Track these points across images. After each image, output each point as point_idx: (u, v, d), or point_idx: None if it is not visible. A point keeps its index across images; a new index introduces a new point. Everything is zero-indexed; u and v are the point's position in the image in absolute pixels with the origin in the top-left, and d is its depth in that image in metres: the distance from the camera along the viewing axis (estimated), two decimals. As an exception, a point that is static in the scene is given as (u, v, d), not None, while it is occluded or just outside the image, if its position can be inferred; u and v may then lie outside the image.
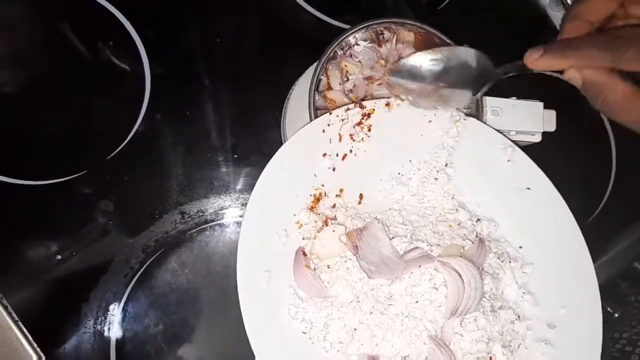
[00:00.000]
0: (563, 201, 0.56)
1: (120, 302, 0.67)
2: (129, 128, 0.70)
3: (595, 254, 0.74)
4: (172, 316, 0.68)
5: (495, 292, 0.53)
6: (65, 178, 0.67)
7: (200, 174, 0.71)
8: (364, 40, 0.61)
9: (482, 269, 0.53)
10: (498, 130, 0.57)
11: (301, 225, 0.53)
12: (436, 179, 0.56)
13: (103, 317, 0.66)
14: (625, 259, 0.76)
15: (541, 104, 0.62)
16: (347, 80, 0.60)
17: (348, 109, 0.54)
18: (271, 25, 0.77)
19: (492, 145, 0.57)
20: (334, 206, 0.54)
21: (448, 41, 0.59)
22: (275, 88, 0.72)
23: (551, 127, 0.63)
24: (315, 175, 0.54)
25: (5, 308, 0.61)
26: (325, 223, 0.53)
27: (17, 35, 0.71)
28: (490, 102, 0.60)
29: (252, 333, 0.48)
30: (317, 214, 0.53)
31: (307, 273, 0.50)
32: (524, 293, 0.54)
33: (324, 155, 0.54)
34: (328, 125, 0.54)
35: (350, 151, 0.55)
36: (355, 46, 0.61)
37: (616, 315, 0.75)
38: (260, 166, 0.52)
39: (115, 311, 0.67)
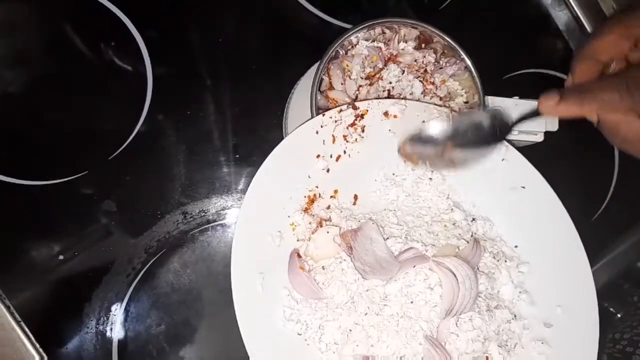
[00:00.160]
0: (558, 199, 0.56)
1: (122, 302, 0.67)
2: (131, 128, 0.70)
3: (597, 254, 0.74)
4: (174, 316, 0.68)
5: (491, 292, 0.53)
6: (68, 178, 0.68)
7: (202, 174, 0.71)
8: (366, 40, 0.61)
9: (478, 268, 0.53)
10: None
11: (295, 226, 0.53)
12: (430, 179, 0.56)
13: (105, 317, 0.67)
14: (628, 260, 0.76)
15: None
16: (349, 79, 0.60)
17: (341, 110, 0.55)
18: (273, 25, 0.77)
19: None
20: (328, 207, 0.54)
21: (450, 41, 0.59)
22: (276, 88, 0.72)
23: (553, 127, 0.63)
24: (309, 176, 0.54)
25: (8, 308, 0.61)
26: (320, 224, 0.53)
27: (20, 36, 0.71)
28: (493, 102, 0.60)
29: (247, 335, 0.48)
30: (311, 215, 0.53)
31: (301, 274, 0.50)
32: (520, 292, 0.54)
33: (318, 156, 0.54)
34: (321, 126, 0.54)
35: (344, 152, 0.55)
36: (357, 46, 0.61)
37: (618, 315, 0.75)
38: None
39: (118, 311, 0.67)
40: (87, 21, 0.72)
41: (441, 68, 0.62)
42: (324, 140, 0.54)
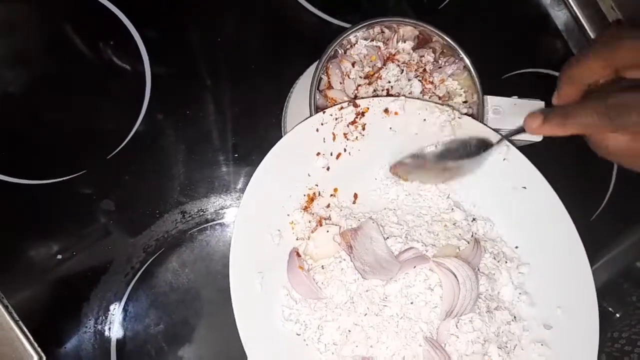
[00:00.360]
0: (559, 200, 0.55)
1: (121, 301, 0.67)
2: (130, 127, 0.70)
3: (596, 253, 0.74)
4: (172, 316, 0.68)
5: (491, 293, 0.52)
6: (66, 177, 0.68)
7: (200, 174, 0.71)
8: (365, 39, 0.61)
9: (478, 269, 0.52)
10: (493, 129, 0.57)
11: (295, 225, 0.52)
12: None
13: (104, 317, 0.66)
14: (627, 259, 0.76)
15: (542, 103, 0.62)
16: (348, 79, 0.60)
17: (342, 108, 0.54)
18: (272, 24, 0.77)
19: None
20: (328, 206, 0.54)
21: (449, 40, 0.59)
22: (276, 87, 0.72)
23: (553, 126, 0.62)
24: (309, 174, 0.53)
25: (6, 308, 0.61)
26: (320, 223, 0.52)
27: (20, 36, 0.71)
28: (492, 101, 0.60)
29: (245, 335, 0.48)
30: (311, 214, 0.53)
31: (301, 274, 0.50)
32: (520, 293, 0.53)
33: (318, 154, 0.54)
34: (322, 124, 0.54)
35: (345, 150, 0.55)
36: (356, 45, 0.61)
37: (617, 315, 0.75)
38: (261, 164, 0.52)
39: (116, 311, 0.67)
40: (87, 21, 0.72)
41: (440, 67, 0.62)
42: (324, 138, 0.54)
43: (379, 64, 0.61)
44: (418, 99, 0.59)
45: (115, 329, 0.67)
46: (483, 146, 0.53)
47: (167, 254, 0.69)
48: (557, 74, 0.76)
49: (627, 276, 0.76)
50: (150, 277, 0.68)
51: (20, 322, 0.61)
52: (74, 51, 0.71)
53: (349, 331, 0.49)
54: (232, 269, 0.49)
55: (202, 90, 0.73)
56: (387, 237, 0.51)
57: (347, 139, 0.55)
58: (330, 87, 0.60)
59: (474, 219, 0.55)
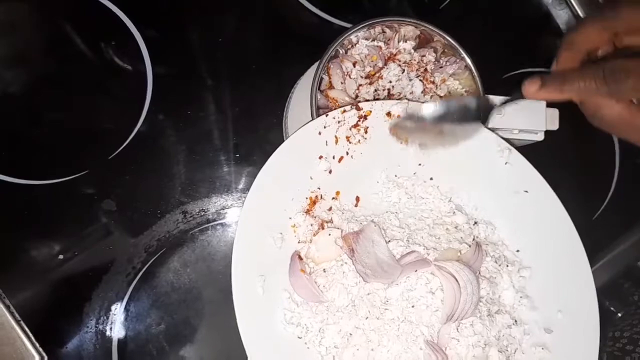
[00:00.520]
0: (561, 204, 0.55)
1: (122, 301, 0.67)
2: (131, 127, 0.70)
3: (598, 253, 0.74)
4: (174, 315, 0.68)
5: (492, 296, 0.52)
6: (68, 178, 0.68)
7: (202, 174, 0.71)
8: (366, 39, 0.61)
9: (479, 273, 0.52)
10: (495, 133, 0.57)
11: (297, 228, 0.52)
12: (431, 178, 0.56)
13: (105, 317, 0.67)
14: (628, 259, 0.76)
15: (544, 103, 0.61)
16: (349, 78, 0.60)
17: (344, 111, 0.54)
18: (273, 24, 0.77)
19: (489, 147, 0.56)
20: (330, 209, 0.54)
21: (450, 40, 0.59)
22: (277, 87, 0.72)
23: (554, 125, 0.62)
24: (311, 177, 0.53)
25: (8, 308, 0.61)
26: (321, 226, 0.53)
27: (20, 36, 0.71)
28: (493, 101, 0.60)
29: (247, 338, 0.48)
30: (313, 217, 0.53)
31: (302, 277, 0.50)
32: (521, 297, 0.53)
33: (320, 157, 0.54)
34: (324, 127, 0.54)
35: (347, 153, 0.55)
36: (357, 45, 0.61)
37: (619, 314, 0.75)
38: (262, 166, 0.52)
39: (118, 311, 0.67)
40: (87, 21, 0.72)
41: (441, 67, 0.62)
42: (326, 141, 0.54)
43: (380, 64, 0.61)
44: (418, 99, 0.59)
45: (116, 329, 0.67)
46: (483, 109, 0.53)
47: (169, 254, 0.69)
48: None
49: (629, 276, 0.76)
50: (151, 277, 0.68)
51: (22, 322, 0.62)
52: (74, 51, 0.71)
53: (350, 334, 0.49)
54: (234, 272, 0.49)
55: (203, 90, 0.73)
56: (389, 241, 0.51)
57: (350, 142, 0.55)
58: (331, 87, 0.60)
59: (475, 223, 0.55)
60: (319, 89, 0.58)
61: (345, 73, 0.60)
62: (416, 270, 0.50)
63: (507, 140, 0.59)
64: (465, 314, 0.49)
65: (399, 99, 0.57)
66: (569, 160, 0.78)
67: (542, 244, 0.55)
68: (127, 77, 0.72)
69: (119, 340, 0.66)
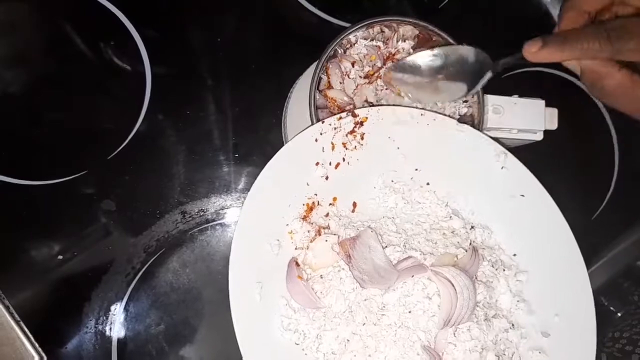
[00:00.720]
0: (557, 208, 0.55)
1: (121, 301, 0.67)
2: (130, 128, 0.70)
3: (597, 253, 0.74)
4: (173, 316, 0.68)
5: (489, 301, 0.52)
6: (67, 178, 0.68)
7: (201, 174, 0.71)
8: (365, 39, 0.61)
9: (476, 277, 0.52)
10: (492, 137, 0.56)
11: (294, 234, 0.52)
12: (428, 183, 0.56)
13: (105, 317, 0.67)
14: (628, 258, 0.76)
15: (543, 102, 0.61)
16: (348, 78, 0.60)
17: (340, 118, 0.54)
18: (272, 24, 0.77)
19: (485, 151, 0.56)
20: (327, 215, 0.54)
21: (449, 39, 0.59)
22: (276, 87, 0.72)
23: (553, 125, 0.62)
24: (308, 184, 0.53)
25: (7, 308, 0.61)
26: (318, 232, 0.52)
27: (20, 36, 0.71)
28: (492, 100, 0.60)
29: (244, 345, 0.48)
30: (310, 223, 0.53)
31: (299, 284, 0.50)
32: (518, 301, 0.53)
33: (317, 164, 0.54)
34: (320, 134, 0.54)
35: (343, 159, 0.54)
36: (356, 45, 0.61)
37: (618, 314, 0.75)
38: (262, 166, 0.52)
39: (117, 311, 0.67)
40: (87, 21, 0.72)
41: (440, 67, 0.61)
42: (323, 148, 0.54)
43: (379, 64, 0.61)
44: (416, 106, 0.58)
45: (116, 329, 0.67)
46: (479, 67, 0.53)
47: (168, 254, 0.69)
48: (558, 72, 0.76)
49: (629, 275, 0.76)
50: (151, 277, 0.68)
51: (22, 322, 0.62)
52: (74, 51, 0.71)
53: (348, 340, 0.49)
54: (232, 279, 0.49)
55: (202, 90, 0.73)
56: (386, 246, 0.51)
57: (346, 148, 0.54)
58: (330, 86, 0.60)
59: (472, 227, 0.55)
60: (317, 88, 0.57)
61: (344, 73, 0.60)
62: (413, 276, 0.50)
63: (506, 140, 0.59)
64: (462, 319, 0.49)
65: (395, 105, 0.56)
66: (568, 159, 0.78)
67: (539, 248, 0.55)
68: (127, 77, 0.72)
69: (119, 341, 0.67)
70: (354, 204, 0.55)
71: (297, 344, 0.50)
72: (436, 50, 0.53)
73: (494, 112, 0.60)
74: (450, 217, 0.55)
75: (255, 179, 0.51)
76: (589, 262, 0.54)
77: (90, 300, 0.67)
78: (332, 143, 0.54)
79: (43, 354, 0.61)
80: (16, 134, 0.68)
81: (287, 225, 0.52)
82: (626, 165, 0.81)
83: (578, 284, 0.54)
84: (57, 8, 0.71)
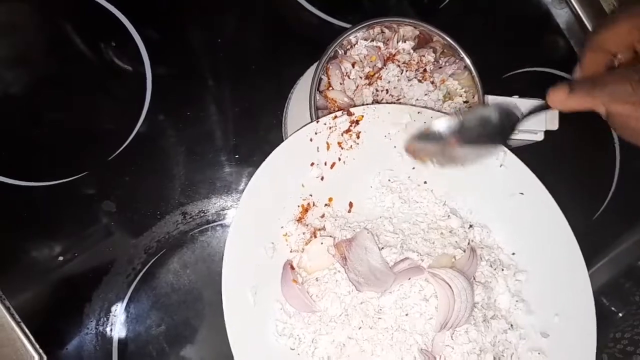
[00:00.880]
0: (557, 206, 0.55)
1: (122, 302, 0.67)
2: (131, 128, 0.70)
3: (598, 253, 0.73)
4: (174, 316, 0.68)
5: (488, 301, 0.52)
6: (68, 179, 0.68)
7: (202, 175, 0.71)
8: (365, 40, 0.61)
9: (474, 278, 0.52)
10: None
11: (288, 237, 0.52)
12: (425, 182, 0.56)
13: (105, 318, 0.67)
14: (629, 259, 0.76)
15: (543, 103, 0.61)
16: (348, 79, 0.60)
17: (336, 117, 0.54)
18: (273, 25, 0.77)
19: (484, 149, 0.55)
20: (322, 216, 0.53)
21: (449, 40, 0.59)
22: (276, 88, 0.72)
23: (554, 126, 0.62)
24: (302, 185, 0.53)
25: (8, 309, 0.61)
26: (314, 234, 0.52)
27: (20, 36, 0.71)
28: (493, 101, 0.60)
29: (238, 351, 0.47)
30: (305, 225, 0.52)
31: (294, 287, 0.49)
32: (517, 301, 0.53)
33: (312, 164, 0.53)
34: (315, 133, 0.53)
35: (339, 159, 0.54)
36: (356, 45, 0.61)
37: (619, 315, 0.75)
38: (262, 167, 0.51)
39: (118, 312, 0.67)
40: (87, 21, 0.72)
41: (441, 67, 0.61)
42: (318, 148, 0.53)
43: (379, 64, 0.61)
44: (414, 104, 0.58)
45: (116, 330, 0.67)
46: (503, 124, 0.48)
47: (169, 255, 0.69)
48: (558, 72, 0.76)
49: (630, 275, 0.76)
50: (151, 278, 0.68)
51: (22, 323, 0.62)
52: (74, 52, 0.71)
53: (344, 345, 0.49)
54: (225, 284, 0.48)
55: (202, 91, 0.73)
56: (382, 247, 0.50)
57: (342, 148, 0.54)
58: (330, 87, 0.60)
59: (470, 226, 0.55)
60: (318, 89, 0.57)
61: (344, 74, 0.60)
62: (410, 278, 0.49)
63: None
64: (459, 322, 0.48)
65: (392, 102, 0.56)
66: (569, 160, 0.78)
67: (538, 247, 0.55)
68: (127, 78, 0.72)
69: (119, 341, 0.67)
70: (350, 204, 0.54)
71: (292, 349, 0.49)
72: (456, 115, 0.50)
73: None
74: (448, 216, 0.55)
75: (254, 180, 0.51)
76: (589, 262, 0.54)
77: (90, 301, 0.67)
78: (328, 142, 0.54)
79: (44, 355, 0.61)
80: (17, 135, 0.68)
81: (282, 227, 0.52)
82: (627, 166, 0.81)
83: (578, 283, 0.53)
84: (58, 9, 0.71)
